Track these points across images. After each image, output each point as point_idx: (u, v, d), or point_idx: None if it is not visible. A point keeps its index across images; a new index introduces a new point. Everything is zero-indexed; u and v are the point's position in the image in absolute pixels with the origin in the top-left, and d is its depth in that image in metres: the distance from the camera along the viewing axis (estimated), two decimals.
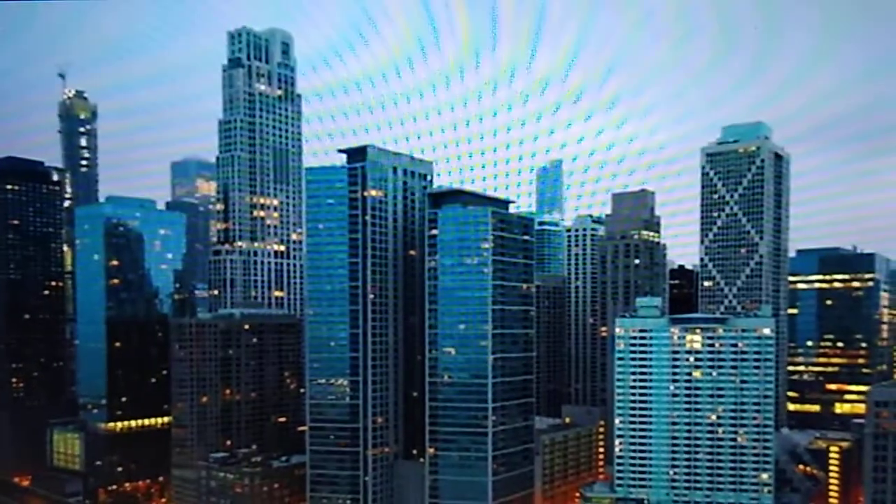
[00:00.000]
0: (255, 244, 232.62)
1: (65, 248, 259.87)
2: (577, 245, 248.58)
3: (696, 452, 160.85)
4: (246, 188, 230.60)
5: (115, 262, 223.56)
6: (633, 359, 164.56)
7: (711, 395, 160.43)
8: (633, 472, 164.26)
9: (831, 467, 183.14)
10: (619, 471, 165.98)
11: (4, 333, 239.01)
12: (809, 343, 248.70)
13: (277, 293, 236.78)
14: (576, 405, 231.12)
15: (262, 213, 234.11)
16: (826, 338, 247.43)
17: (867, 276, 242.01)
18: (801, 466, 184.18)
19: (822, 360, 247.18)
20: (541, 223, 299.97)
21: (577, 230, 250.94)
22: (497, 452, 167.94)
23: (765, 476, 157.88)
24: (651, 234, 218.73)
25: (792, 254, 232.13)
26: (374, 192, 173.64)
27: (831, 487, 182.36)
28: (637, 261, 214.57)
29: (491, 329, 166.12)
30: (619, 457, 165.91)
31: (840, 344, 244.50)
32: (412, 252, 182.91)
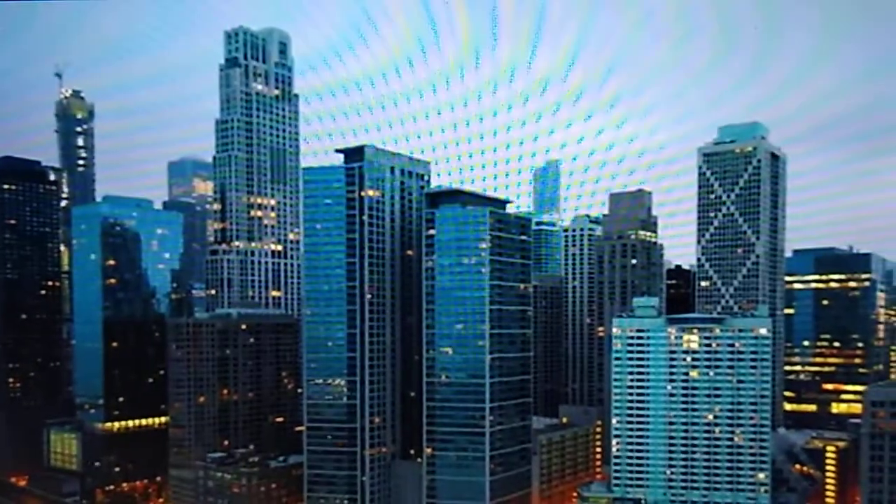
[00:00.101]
0: (253, 244, 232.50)
1: (62, 247, 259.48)
2: (574, 245, 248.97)
3: (693, 452, 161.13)
4: (243, 188, 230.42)
5: (111, 262, 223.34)
6: (630, 359, 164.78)
7: (708, 395, 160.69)
8: (630, 471, 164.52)
9: (828, 467, 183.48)
10: (616, 470, 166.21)
11: (1, 333, 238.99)
12: (806, 343, 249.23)
13: (275, 293, 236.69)
14: (573, 405, 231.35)
15: (259, 213, 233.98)
16: (822, 338, 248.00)
17: (863, 276, 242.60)
18: (797, 466, 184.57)
19: (818, 359, 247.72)
20: (538, 223, 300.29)
21: (574, 230, 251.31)
22: (494, 452, 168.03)
23: (761, 476, 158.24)
24: (648, 234, 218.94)
25: (788, 254, 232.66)
26: (371, 192, 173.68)
27: (828, 487, 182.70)
28: (634, 261, 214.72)
29: (488, 329, 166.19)
30: (616, 456, 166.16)
31: (836, 344, 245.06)
32: (409, 252, 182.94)
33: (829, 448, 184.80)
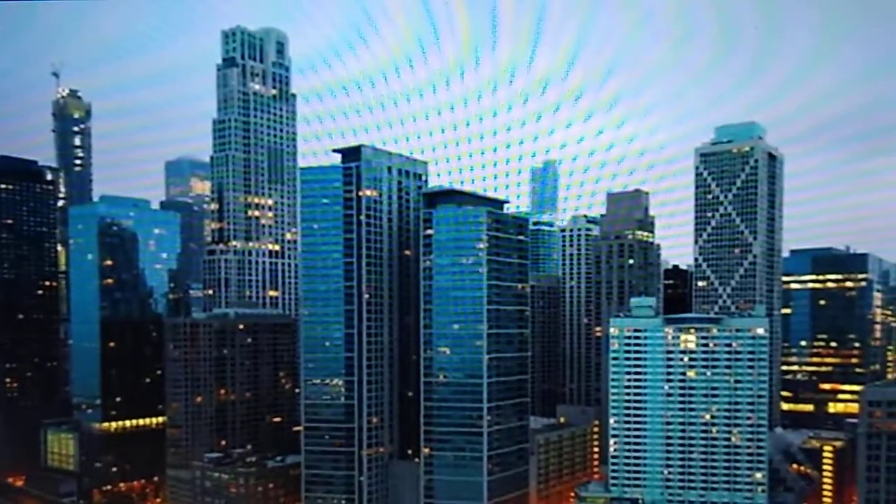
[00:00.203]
0: (250, 244, 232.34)
1: (59, 247, 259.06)
2: (571, 245, 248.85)
3: (691, 452, 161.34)
4: (240, 188, 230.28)
5: (109, 262, 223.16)
6: (628, 359, 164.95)
7: (705, 395, 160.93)
8: (628, 471, 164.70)
9: (825, 467, 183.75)
10: (613, 470, 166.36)
11: None
12: (803, 343, 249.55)
13: (272, 293, 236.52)
14: (570, 405, 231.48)
15: (256, 213, 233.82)
16: (819, 337, 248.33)
17: (860, 276, 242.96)
18: (794, 466, 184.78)
19: (815, 359, 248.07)
20: (536, 223, 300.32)
21: (571, 230, 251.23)
22: (492, 452, 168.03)
23: (759, 475, 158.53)
24: (645, 234, 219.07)
25: (785, 254, 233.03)
26: (368, 192, 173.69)
27: (825, 487, 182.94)
28: (631, 261, 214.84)
29: (486, 329, 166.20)
30: (614, 456, 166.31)
31: (833, 344, 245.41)
32: (407, 252, 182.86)
33: (825, 448, 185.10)
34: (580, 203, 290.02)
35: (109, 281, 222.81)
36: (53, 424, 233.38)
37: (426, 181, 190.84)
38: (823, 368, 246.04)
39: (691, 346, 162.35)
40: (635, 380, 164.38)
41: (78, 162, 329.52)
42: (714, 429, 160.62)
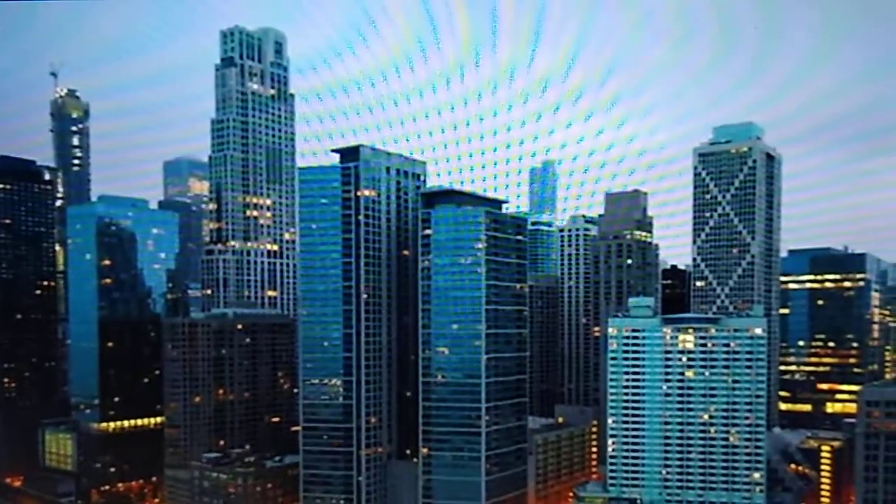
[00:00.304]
0: (248, 244, 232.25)
1: (57, 247, 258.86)
2: (569, 245, 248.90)
3: (689, 452, 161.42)
4: (239, 188, 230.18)
5: (107, 262, 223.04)
6: (626, 359, 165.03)
7: (704, 395, 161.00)
8: (626, 471, 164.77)
9: (823, 466, 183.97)
10: (611, 470, 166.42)
11: None
12: (801, 343, 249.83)
13: (270, 293, 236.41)
14: (569, 405, 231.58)
15: (254, 213, 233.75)
16: (817, 338, 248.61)
17: (858, 276, 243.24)
18: (792, 466, 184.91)
19: (813, 359, 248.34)
20: (534, 223, 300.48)
21: (569, 230, 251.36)
22: (490, 452, 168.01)
23: (756, 475, 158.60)
24: (643, 234, 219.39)
25: (784, 254, 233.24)
26: (367, 192, 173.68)
27: (823, 487, 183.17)
28: (630, 261, 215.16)
29: (484, 329, 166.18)
30: (612, 456, 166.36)
31: (831, 344, 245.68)
32: (405, 252, 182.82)
33: (824, 448, 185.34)
34: (580, 203, 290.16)
35: (108, 281, 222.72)
36: (52, 424, 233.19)
37: (425, 181, 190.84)
38: (821, 368, 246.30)
39: (689, 346, 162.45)
40: (633, 380, 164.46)
41: (76, 162, 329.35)
42: (712, 429, 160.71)
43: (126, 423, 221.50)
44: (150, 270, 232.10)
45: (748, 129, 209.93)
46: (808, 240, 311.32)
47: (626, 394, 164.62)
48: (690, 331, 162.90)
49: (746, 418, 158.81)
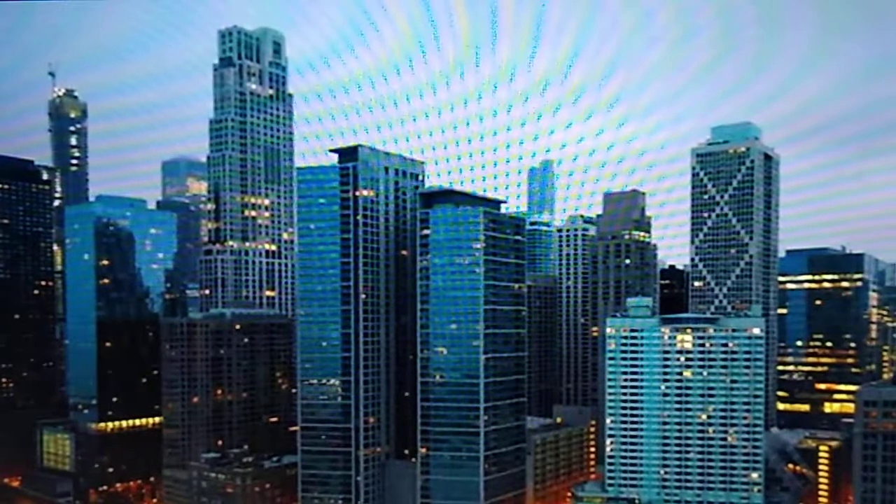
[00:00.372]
0: (247, 244, 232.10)
1: (55, 247, 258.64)
2: (568, 245, 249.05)
3: (687, 452, 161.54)
4: (237, 188, 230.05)
5: (105, 262, 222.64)
6: (624, 359, 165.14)
7: (702, 395, 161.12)
8: (624, 471, 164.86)
9: (821, 466, 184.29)
10: (610, 470, 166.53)
11: None
12: (799, 343, 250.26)
13: (269, 293, 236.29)
14: (567, 405, 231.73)
15: (253, 213, 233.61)
16: (815, 337, 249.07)
17: (856, 276, 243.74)
18: (790, 465, 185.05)
19: (811, 359, 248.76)
20: (532, 223, 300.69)
21: (568, 230, 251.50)
22: (489, 452, 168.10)
23: (755, 475, 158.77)
24: (642, 234, 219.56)
25: (781, 254, 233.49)
26: (365, 192, 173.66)
27: (821, 486, 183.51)
28: (628, 261, 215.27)
29: (483, 329, 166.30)
30: (611, 456, 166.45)
31: (829, 344, 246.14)
32: (404, 252, 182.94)
33: (821, 447, 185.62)
34: (580, 203, 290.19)
35: (106, 281, 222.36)
36: (49, 425, 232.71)
37: (423, 181, 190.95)
38: (819, 368, 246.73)
39: (688, 346, 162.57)
40: (632, 380, 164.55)
41: (74, 162, 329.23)
42: (710, 429, 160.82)
43: (124, 423, 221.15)
44: (148, 270, 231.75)
45: (746, 130, 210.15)
46: (806, 240, 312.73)
47: (625, 394, 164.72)
48: (689, 331, 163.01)
49: (744, 418, 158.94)
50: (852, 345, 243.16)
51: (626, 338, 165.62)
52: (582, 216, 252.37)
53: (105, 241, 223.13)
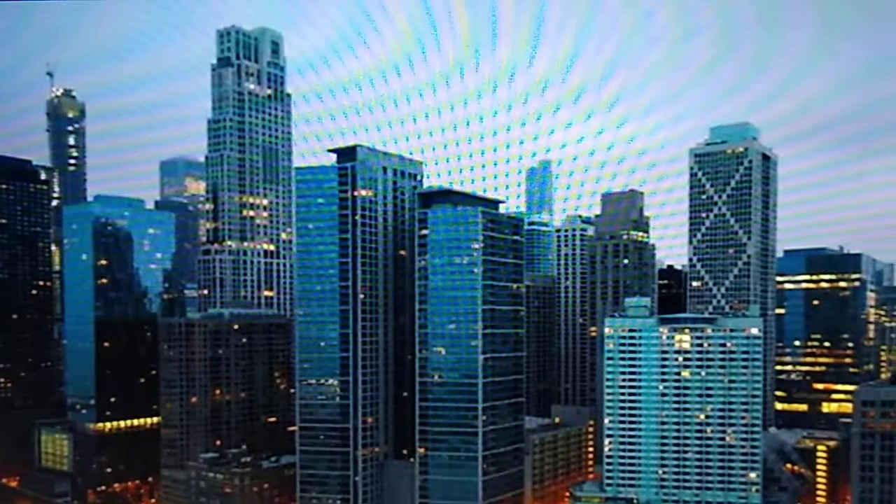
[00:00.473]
0: (245, 244, 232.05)
1: (53, 247, 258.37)
2: (566, 245, 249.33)
3: (685, 452, 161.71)
4: (235, 187, 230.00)
5: (103, 262, 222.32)
6: (623, 359, 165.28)
7: (700, 395, 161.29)
8: (623, 471, 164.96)
9: (819, 466, 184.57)
10: (608, 470, 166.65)
11: None
12: (797, 343, 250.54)
13: (267, 293, 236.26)
14: (565, 405, 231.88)
15: (251, 213, 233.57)
16: (813, 337, 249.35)
17: (854, 276, 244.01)
18: (788, 465, 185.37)
19: (809, 359, 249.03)
20: (531, 223, 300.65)
21: (566, 230, 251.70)
22: (487, 452, 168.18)
23: (753, 475, 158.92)
24: (640, 234, 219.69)
25: (779, 254, 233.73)
26: (364, 192, 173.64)
27: (819, 486, 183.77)
28: (626, 261, 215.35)
29: (481, 329, 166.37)
30: (609, 456, 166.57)
31: (827, 344, 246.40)
32: (402, 252, 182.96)
33: (819, 447, 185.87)
34: (579, 203, 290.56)
35: (104, 281, 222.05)
36: (47, 425, 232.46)
37: (421, 181, 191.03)
38: (817, 368, 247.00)
39: (686, 346, 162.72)
40: (630, 380, 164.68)
41: (72, 161, 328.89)
42: (708, 428, 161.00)
43: (122, 423, 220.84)
44: (146, 270, 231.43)
45: (744, 130, 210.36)
46: (804, 240, 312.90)
47: (623, 394, 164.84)
48: (687, 331, 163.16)
49: (743, 418, 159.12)
50: (850, 345, 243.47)
51: (624, 338, 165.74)
52: (580, 216, 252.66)
53: (103, 241, 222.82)
